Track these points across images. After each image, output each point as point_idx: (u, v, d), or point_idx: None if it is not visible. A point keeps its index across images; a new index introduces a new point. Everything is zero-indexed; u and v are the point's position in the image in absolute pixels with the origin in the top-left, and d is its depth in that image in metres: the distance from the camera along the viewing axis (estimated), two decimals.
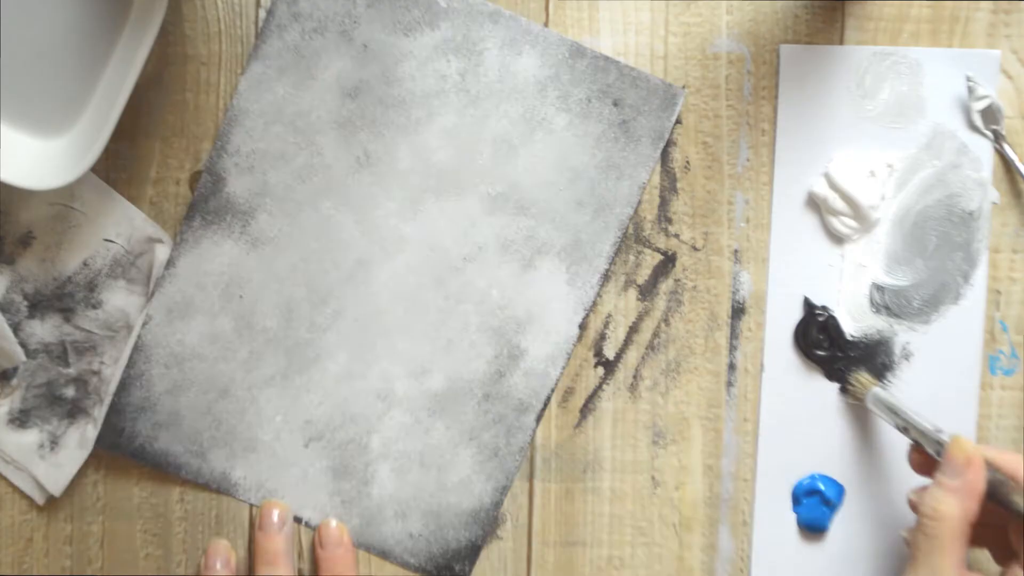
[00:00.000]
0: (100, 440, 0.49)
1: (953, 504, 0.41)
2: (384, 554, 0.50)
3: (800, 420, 0.50)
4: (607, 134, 0.49)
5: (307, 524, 0.50)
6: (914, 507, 0.43)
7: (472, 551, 0.50)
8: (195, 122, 0.50)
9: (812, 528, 0.50)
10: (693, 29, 0.50)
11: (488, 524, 0.50)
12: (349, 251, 0.49)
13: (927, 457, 0.45)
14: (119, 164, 0.50)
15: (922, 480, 0.46)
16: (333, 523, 0.50)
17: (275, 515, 0.49)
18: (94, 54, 0.47)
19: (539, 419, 0.50)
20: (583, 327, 0.50)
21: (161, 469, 0.50)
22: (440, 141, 0.49)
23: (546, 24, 0.50)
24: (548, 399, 0.50)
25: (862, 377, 0.49)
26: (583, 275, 0.50)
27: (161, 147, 0.50)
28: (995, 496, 0.42)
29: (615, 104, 0.49)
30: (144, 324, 0.49)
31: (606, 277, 0.50)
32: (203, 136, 0.50)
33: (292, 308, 0.50)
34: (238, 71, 0.50)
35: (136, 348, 0.49)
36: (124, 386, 0.49)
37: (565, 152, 0.49)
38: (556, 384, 0.50)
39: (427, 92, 0.49)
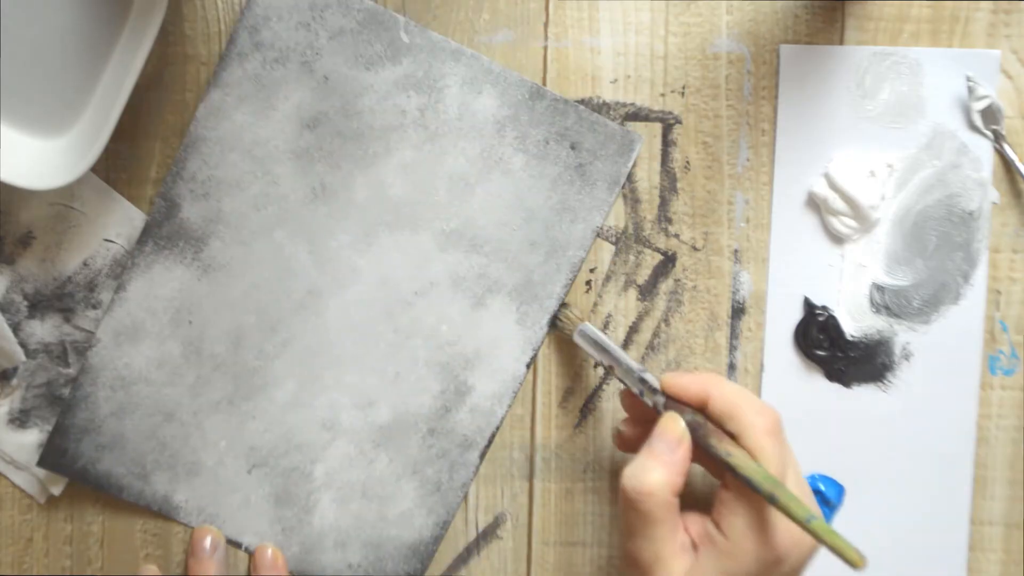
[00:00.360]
0: (42, 460, 0.49)
1: (661, 477, 0.41)
2: None
3: (800, 420, 0.50)
4: (563, 176, 0.49)
5: (246, 550, 0.50)
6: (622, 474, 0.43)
7: None
8: None
9: None
10: (693, 29, 0.50)
11: (427, 558, 0.50)
12: (301, 281, 0.49)
13: (639, 404, 0.46)
14: (119, 164, 0.50)
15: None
16: (269, 550, 0.50)
17: (207, 542, 0.49)
18: (94, 54, 0.47)
19: (483, 456, 0.50)
20: (530, 366, 0.50)
21: (103, 491, 0.50)
22: (397, 176, 0.49)
23: (546, 24, 0.50)
24: (493, 436, 0.50)
25: (571, 313, 0.49)
26: (533, 315, 0.50)
27: (161, 147, 0.50)
28: (693, 438, 0.42)
29: (572, 147, 0.49)
30: (92, 346, 0.49)
31: (555, 319, 0.50)
32: None
33: (242, 335, 0.49)
34: None
35: (83, 370, 0.49)
36: (69, 407, 0.49)
37: (521, 192, 0.49)
38: (501, 422, 0.50)
39: (386, 126, 0.49)
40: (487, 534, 0.51)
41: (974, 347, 0.50)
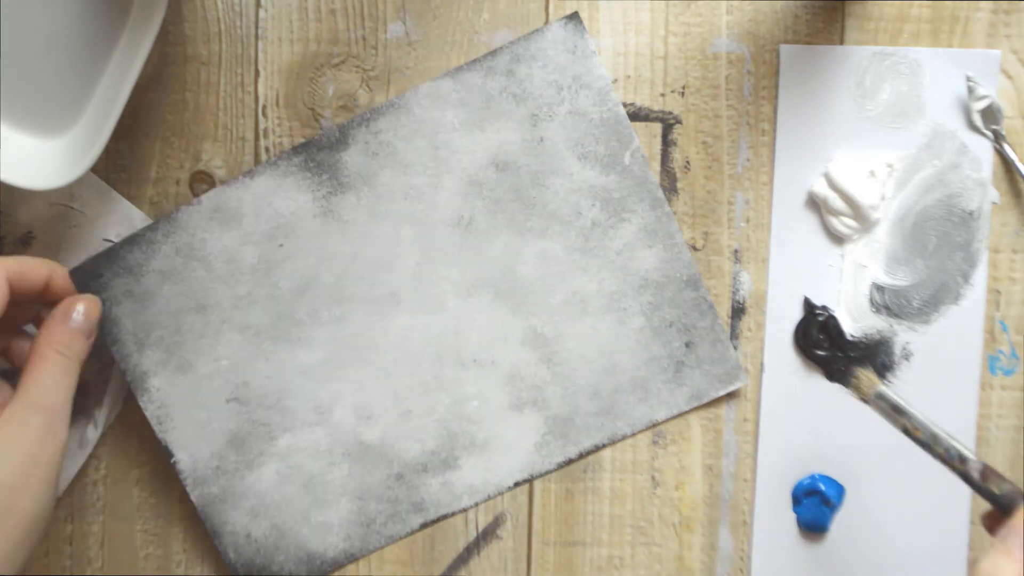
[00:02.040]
0: (76, 271, 0.48)
1: (1014, 573, 0.38)
2: (214, 534, 0.50)
3: (800, 420, 0.50)
4: (661, 362, 0.50)
5: (174, 464, 0.50)
6: (974, 569, 0.40)
7: None
8: (195, 122, 0.50)
9: (812, 528, 0.50)
10: (693, 29, 0.50)
11: (316, 572, 0.50)
12: (393, 281, 0.50)
13: (997, 519, 0.42)
14: (119, 164, 0.50)
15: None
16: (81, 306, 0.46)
17: (79, 309, 0.46)
18: (94, 54, 0.47)
19: (424, 527, 0.50)
20: (517, 486, 0.50)
21: (104, 334, 0.49)
22: (534, 259, 0.50)
23: (546, 24, 0.50)
24: (443, 518, 0.50)
25: (867, 374, 0.48)
26: (551, 448, 0.50)
27: (161, 147, 0.50)
28: None
29: (687, 345, 0.50)
30: (189, 204, 0.49)
31: (568, 463, 0.50)
32: (203, 136, 0.50)
33: (310, 288, 0.50)
34: (238, 71, 0.50)
35: (167, 218, 0.49)
36: (132, 241, 0.49)
37: (619, 347, 0.50)
38: (458, 513, 0.50)
39: (556, 215, 0.49)
40: (487, 534, 0.51)
41: (974, 347, 0.50)
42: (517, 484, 0.50)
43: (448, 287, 0.50)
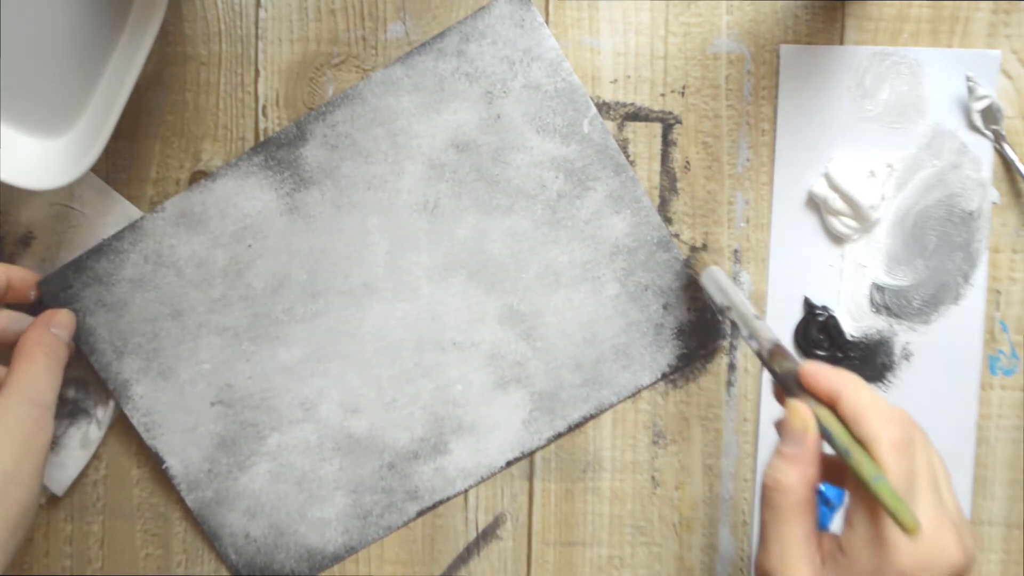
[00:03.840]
0: (46, 281, 0.48)
1: (792, 473, 0.39)
2: (213, 536, 0.50)
3: None
4: (640, 326, 0.50)
5: (166, 470, 0.50)
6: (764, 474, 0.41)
7: None
8: (195, 122, 0.50)
9: None
10: (693, 29, 0.50)
11: (317, 568, 0.50)
12: (365, 271, 0.50)
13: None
14: (119, 164, 0.50)
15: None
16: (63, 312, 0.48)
17: (59, 316, 0.47)
18: (94, 54, 0.47)
19: (421, 514, 0.50)
20: (510, 465, 0.50)
21: (78, 343, 0.49)
22: (503, 236, 0.50)
23: (546, 24, 0.50)
24: (439, 504, 0.50)
25: (705, 256, 0.49)
26: (540, 424, 0.50)
27: (161, 147, 0.50)
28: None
29: (664, 307, 0.50)
30: (154, 210, 0.49)
31: (558, 436, 0.50)
32: (203, 136, 0.50)
33: (284, 285, 0.50)
34: (238, 71, 0.50)
35: (132, 227, 0.49)
36: (99, 250, 0.49)
37: (597, 317, 0.50)
38: (456, 496, 0.50)
39: (520, 190, 0.49)
40: (487, 534, 0.51)
41: (974, 347, 0.50)
42: (509, 463, 0.50)
43: (420, 273, 0.50)
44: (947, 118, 0.50)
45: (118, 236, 0.49)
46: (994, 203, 0.50)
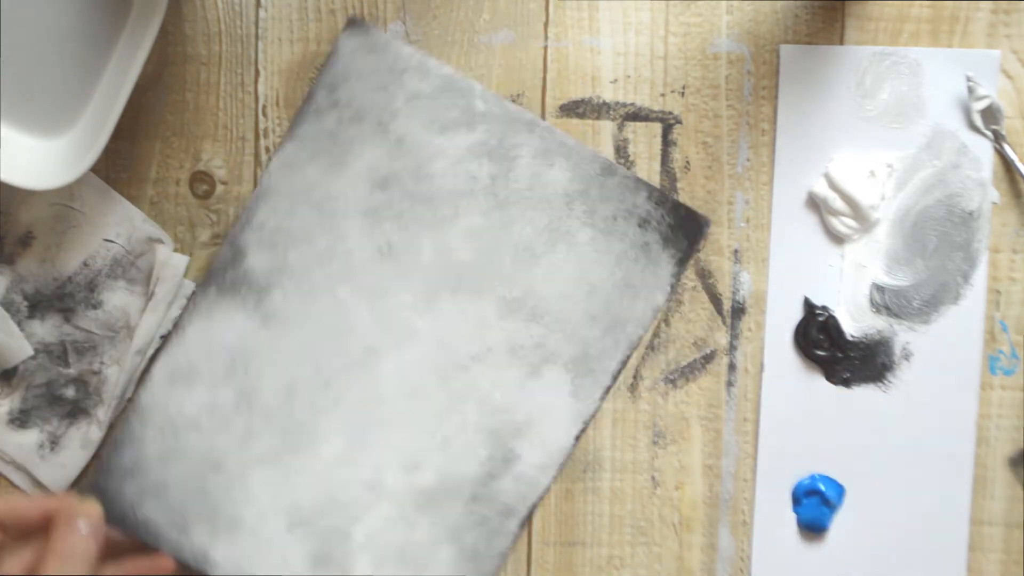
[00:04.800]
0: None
1: None
2: None
3: (800, 420, 0.50)
4: (628, 254, 0.50)
5: None
6: None
7: None
8: (195, 122, 0.50)
9: (812, 528, 0.50)
10: (693, 29, 0.50)
11: None
12: (359, 337, 0.49)
13: None
14: (119, 164, 0.50)
15: None
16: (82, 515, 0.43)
17: (81, 522, 0.43)
18: (94, 54, 0.47)
19: (523, 525, 0.50)
20: (579, 439, 0.50)
21: (141, 538, 0.49)
22: (463, 240, 0.49)
23: (546, 24, 0.50)
24: (534, 506, 0.50)
25: None
26: (587, 388, 0.50)
27: (161, 147, 0.50)
28: None
29: (640, 225, 0.49)
30: (144, 385, 0.49)
31: (608, 392, 0.50)
32: (203, 136, 0.50)
33: (295, 388, 0.49)
34: (238, 71, 0.50)
35: (133, 408, 0.49)
36: (117, 446, 0.49)
37: (585, 266, 0.50)
38: (545, 492, 0.50)
39: (456, 191, 0.49)
40: None
41: (974, 347, 0.50)
42: (577, 438, 0.50)
43: (408, 312, 0.50)
44: (947, 118, 0.50)
45: (126, 424, 0.49)
46: (994, 203, 0.50)
